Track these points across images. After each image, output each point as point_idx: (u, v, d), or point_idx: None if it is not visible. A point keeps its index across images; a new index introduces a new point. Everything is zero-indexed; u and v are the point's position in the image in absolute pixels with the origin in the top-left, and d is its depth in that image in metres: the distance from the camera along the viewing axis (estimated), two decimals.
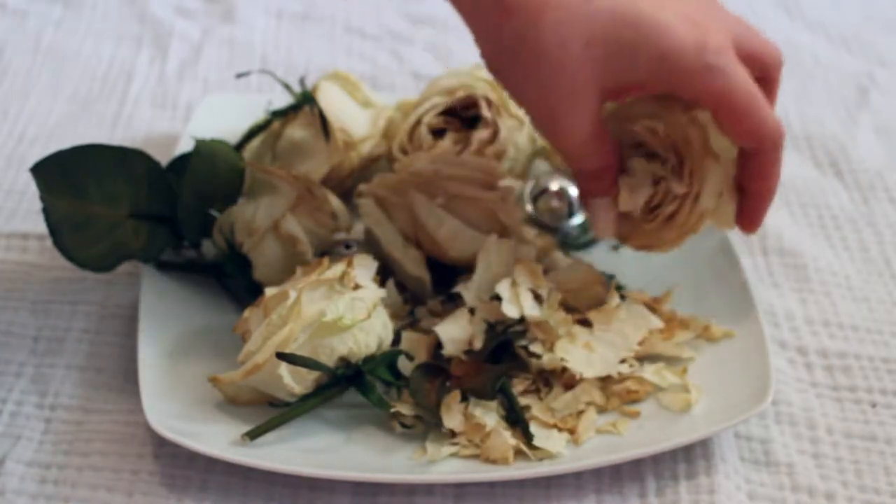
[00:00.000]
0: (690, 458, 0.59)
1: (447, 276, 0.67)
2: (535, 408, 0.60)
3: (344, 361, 0.59)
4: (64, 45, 0.97)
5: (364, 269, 0.62)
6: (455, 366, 0.61)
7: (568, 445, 0.58)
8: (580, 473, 0.58)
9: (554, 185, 0.74)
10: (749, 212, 0.62)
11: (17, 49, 0.96)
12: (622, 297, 0.65)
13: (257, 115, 0.78)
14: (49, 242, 0.67)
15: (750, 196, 0.61)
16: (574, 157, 0.61)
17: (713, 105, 0.57)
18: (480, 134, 0.73)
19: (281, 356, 0.56)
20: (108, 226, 0.65)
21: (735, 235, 0.75)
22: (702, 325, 0.64)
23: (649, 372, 0.61)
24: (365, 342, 0.59)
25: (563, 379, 0.61)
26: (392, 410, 0.59)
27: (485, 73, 0.69)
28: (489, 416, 0.59)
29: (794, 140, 0.87)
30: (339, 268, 0.61)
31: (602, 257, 0.72)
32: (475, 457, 0.58)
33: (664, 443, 0.57)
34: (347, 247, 0.69)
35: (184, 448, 0.57)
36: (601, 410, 0.60)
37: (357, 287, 0.60)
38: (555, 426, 0.59)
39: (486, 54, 0.59)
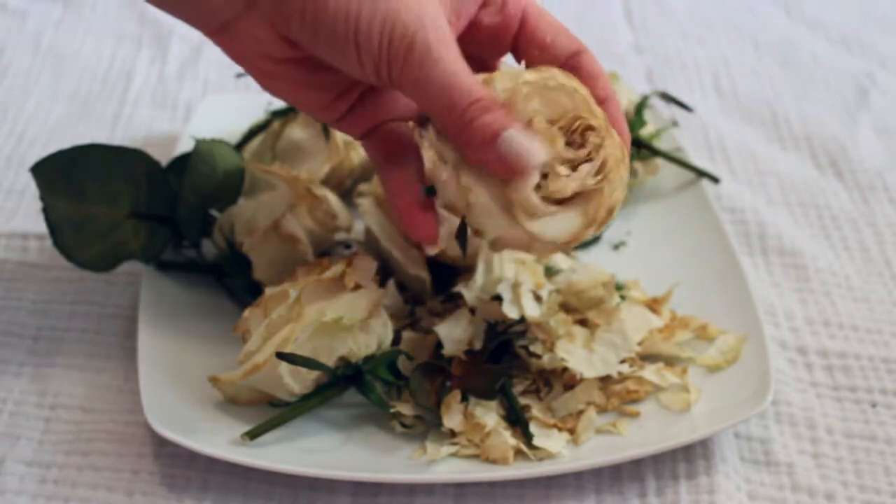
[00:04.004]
0: (690, 458, 0.59)
1: (447, 276, 0.67)
2: (535, 408, 0.60)
3: (344, 361, 0.59)
4: (64, 45, 0.97)
5: (364, 269, 0.62)
6: (455, 366, 0.61)
7: (568, 445, 0.58)
8: (580, 473, 0.58)
9: None
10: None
11: (17, 49, 0.96)
12: (622, 297, 0.65)
13: (257, 115, 0.78)
14: (49, 242, 0.67)
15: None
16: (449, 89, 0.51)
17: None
18: None
19: (281, 356, 0.56)
20: (108, 226, 0.65)
21: (735, 235, 0.75)
22: (701, 324, 0.64)
23: (649, 372, 0.61)
24: (365, 342, 0.59)
25: (563, 379, 0.61)
26: (392, 410, 0.59)
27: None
28: (489, 416, 0.59)
29: (794, 140, 0.87)
30: (339, 268, 0.61)
31: (602, 257, 0.72)
32: (475, 457, 0.58)
33: (664, 443, 0.57)
34: (347, 247, 0.69)
35: (184, 448, 0.57)
36: (601, 410, 0.60)
37: (357, 287, 0.60)
38: (555, 426, 0.59)
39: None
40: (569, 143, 0.51)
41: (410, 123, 0.57)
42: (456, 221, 0.65)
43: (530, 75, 0.52)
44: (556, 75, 0.52)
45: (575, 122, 0.51)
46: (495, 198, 0.51)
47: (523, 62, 0.55)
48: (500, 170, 0.51)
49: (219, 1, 0.52)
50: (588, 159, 0.51)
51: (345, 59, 0.52)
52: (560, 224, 0.51)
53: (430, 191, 0.54)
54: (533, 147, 0.50)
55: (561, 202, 0.52)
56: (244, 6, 0.52)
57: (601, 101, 0.54)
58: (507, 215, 0.51)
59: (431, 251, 0.55)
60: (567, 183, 0.51)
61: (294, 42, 0.52)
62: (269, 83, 0.56)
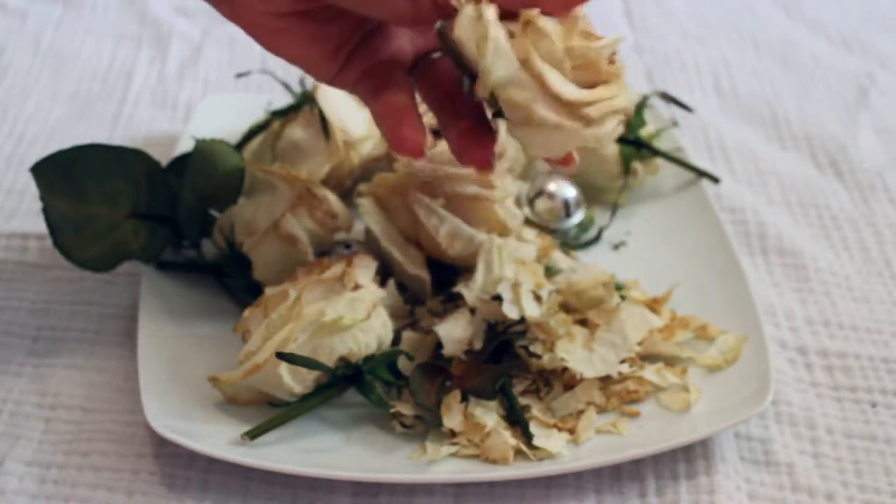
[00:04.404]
0: (690, 458, 0.59)
1: (447, 276, 0.67)
2: (535, 408, 0.60)
3: (344, 361, 0.59)
4: (64, 45, 0.97)
5: (364, 269, 0.62)
6: (455, 366, 0.61)
7: (568, 445, 0.58)
8: (580, 473, 0.58)
9: (552, 186, 0.74)
10: None
11: (17, 49, 0.96)
12: (622, 297, 0.65)
13: (257, 115, 0.78)
14: (49, 242, 0.67)
15: None
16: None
17: None
18: None
19: (281, 356, 0.56)
20: (108, 226, 0.65)
21: (735, 235, 0.75)
22: (701, 324, 0.64)
23: (649, 372, 0.61)
24: (365, 342, 0.59)
25: (563, 379, 0.61)
26: (392, 410, 0.59)
27: None
28: (489, 416, 0.59)
29: (795, 140, 0.87)
30: (339, 268, 0.61)
31: (602, 257, 0.72)
32: (475, 457, 0.58)
33: (664, 443, 0.57)
34: (347, 247, 0.69)
35: (184, 448, 0.57)
36: (601, 410, 0.60)
37: (357, 287, 0.60)
38: (555, 426, 0.59)
39: None
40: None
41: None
42: (454, 221, 0.66)
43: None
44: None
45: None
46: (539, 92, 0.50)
47: None
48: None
49: None
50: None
51: None
52: (616, 101, 0.51)
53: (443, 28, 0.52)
54: None
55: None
56: None
57: None
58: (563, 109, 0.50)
59: (419, 162, 0.54)
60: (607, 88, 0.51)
61: None
62: (273, 41, 0.56)
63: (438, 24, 0.52)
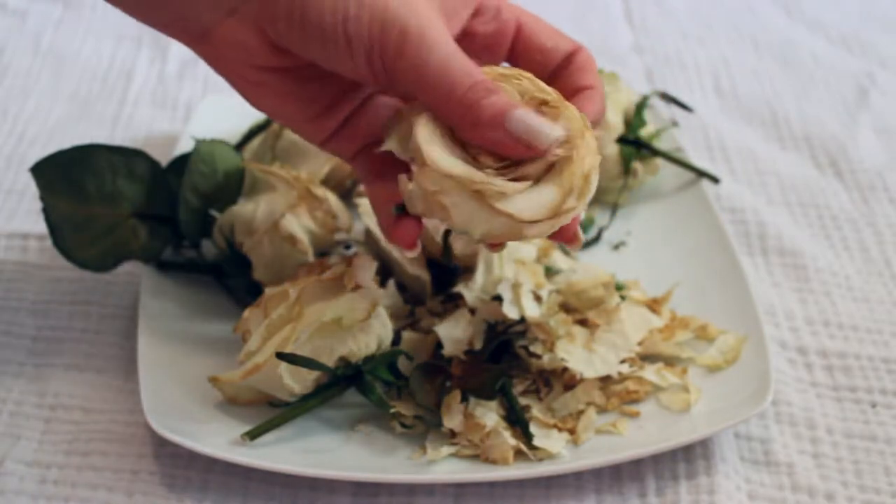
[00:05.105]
0: (690, 458, 0.59)
1: (447, 276, 0.67)
2: (535, 408, 0.60)
3: (344, 361, 0.59)
4: (64, 45, 0.97)
5: (364, 269, 0.62)
6: (455, 366, 0.61)
7: (568, 445, 0.58)
8: (580, 473, 0.58)
9: None
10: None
11: (17, 49, 0.96)
12: (622, 297, 0.65)
13: (257, 115, 0.78)
14: (49, 242, 0.67)
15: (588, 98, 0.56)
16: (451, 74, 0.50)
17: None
18: None
19: (281, 356, 0.56)
20: (108, 226, 0.65)
21: (735, 235, 0.75)
22: (701, 325, 0.64)
23: (649, 372, 0.61)
24: (365, 342, 0.59)
25: (563, 379, 0.61)
26: (392, 410, 0.59)
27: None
28: (489, 416, 0.59)
29: (794, 140, 0.87)
30: (339, 268, 0.61)
31: (602, 257, 0.72)
32: (475, 457, 0.58)
33: (664, 443, 0.57)
34: (347, 247, 0.69)
35: (184, 448, 0.57)
36: (601, 410, 0.60)
37: (357, 287, 0.60)
38: (555, 426, 0.59)
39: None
40: None
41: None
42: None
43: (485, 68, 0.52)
44: (502, 68, 0.53)
45: (528, 101, 0.51)
46: (467, 194, 0.50)
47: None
48: (514, 149, 0.49)
49: (203, 5, 0.51)
50: None
51: (336, 53, 0.50)
52: (537, 200, 0.50)
53: (401, 209, 0.53)
54: (546, 124, 0.50)
55: (535, 180, 0.51)
56: (228, 11, 0.51)
57: (586, 88, 0.54)
58: (485, 206, 0.50)
59: (411, 255, 0.54)
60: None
61: (280, 48, 0.51)
62: (254, 95, 0.54)
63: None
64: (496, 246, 0.57)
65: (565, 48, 0.55)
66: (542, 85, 0.52)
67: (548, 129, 0.49)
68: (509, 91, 0.51)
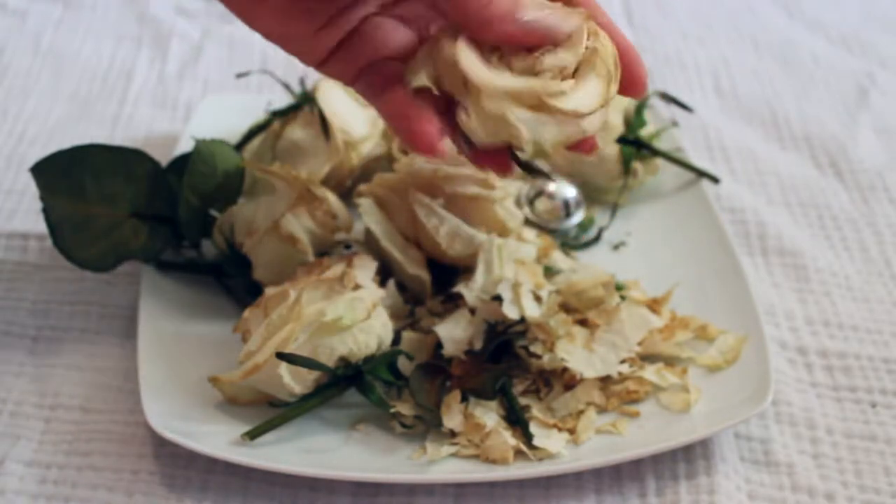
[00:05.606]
0: (690, 458, 0.59)
1: (447, 276, 0.67)
2: (535, 408, 0.60)
3: (344, 361, 0.59)
4: (64, 45, 0.97)
5: (364, 269, 0.62)
6: (455, 366, 0.61)
7: (568, 445, 0.58)
8: (580, 473, 0.58)
9: (551, 187, 0.74)
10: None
11: (17, 49, 0.96)
12: (622, 298, 0.65)
13: (257, 115, 0.78)
14: (49, 242, 0.67)
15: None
16: None
17: None
18: None
19: (281, 356, 0.56)
20: (108, 226, 0.65)
21: (735, 235, 0.75)
22: (701, 325, 0.64)
23: (649, 372, 0.61)
24: (365, 342, 0.59)
25: (563, 379, 0.61)
26: (392, 410, 0.59)
27: None
28: (489, 416, 0.59)
29: (794, 140, 0.87)
30: (339, 268, 0.61)
31: (602, 257, 0.72)
32: (475, 457, 0.58)
33: (664, 443, 0.57)
34: (347, 247, 0.69)
35: (184, 448, 0.57)
36: (601, 410, 0.60)
37: (357, 287, 0.60)
38: (555, 426, 0.59)
39: None
40: None
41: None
42: (454, 221, 0.66)
43: None
44: None
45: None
46: (528, 106, 0.50)
47: None
48: (529, 38, 0.50)
49: None
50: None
51: None
52: (588, 92, 0.51)
53: (469, 141, 0.52)
54: (552, 19, 0.50)
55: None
56: None
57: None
58: (548, 112, 0.50)
59: (438, 154, 0.52)
60: (565, 56, 0.50)
61: None
62: (249, 13, 0.53)
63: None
64: (582, 147, 0.54)
65: None
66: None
67: (559, 20, 0.50)
68: None
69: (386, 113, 0.54)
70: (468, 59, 0.50)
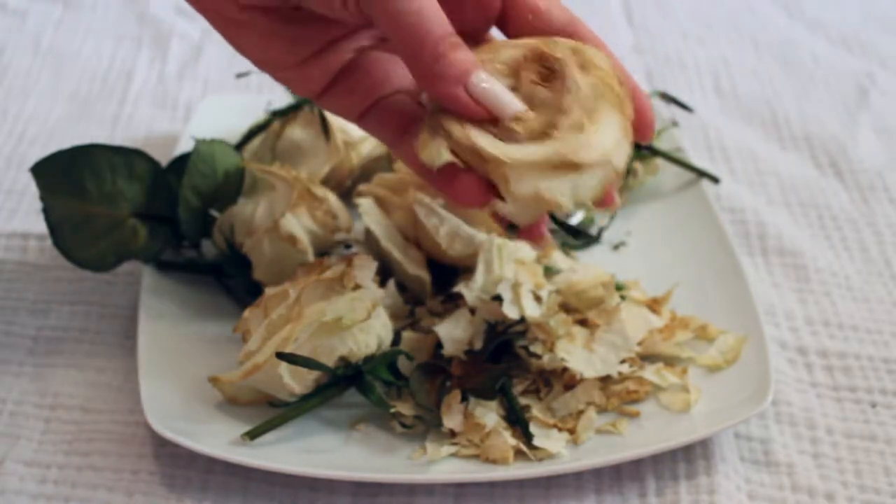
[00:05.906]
0: (690, 458, 0.59)
1: (447, 276, 0.67)
2: (535, 408, 0.60)
3: (344, 361, 0.59)
4: (64, 45, 0.97)
5: (364, 269, 0.61)
6: (455, 366, 0.61)
7: (568, 445, 0.58)
8: (580, 473, 0.58)
9: None
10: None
11: (17, 49, 0.96)
12: (622, 297, 0.65)
13: (257, 115, 0.78)
14: (49, 242, 0.67)
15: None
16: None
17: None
18: None
19: (281, 356, 0.56)
20: (108, 226, 0.65)
21: (735, 235, 0.75)
22: (701, 325, 0.64)
23: (649, 372, 0.61)
24: (365, 342, 0.59)
25: (563, 379, 0.61)
26: (392, 410, 0.59)
27: None
28: (489, 416, 0.59)
29: (794, 140, 0.87)
30: (339, 268, 0.61)
31: (602, 257, 0.72)
32: (475, 457, 0.58)
33: (664, 443, 0.57)
34: (347, 247, 0.69)
35: (184, 448, 0.57)
36: (601, 410, 0.60)
37: (357, 287, 0.60)
38: (555, 426, 0.59)
39: None
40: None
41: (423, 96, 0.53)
42: (454, 221, 0.66)
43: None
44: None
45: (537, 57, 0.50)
46: (554, 171, 0.48)
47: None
48: (471, 110, 0.47)
49: None
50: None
51: None
52: (608, 126, 0.48)
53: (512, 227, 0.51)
54: (507, 94, 0.48)
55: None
56: None
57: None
58: (576, 168, 0.48)
59: (488, 209, 0.50)
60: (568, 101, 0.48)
61: None
62: (234, 35, 0.52)
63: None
64: (606, 202, 0.52)
65: (560, 17, 0.52)
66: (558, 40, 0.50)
67: (508, 100, 0.48)
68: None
69: (417, 170, 0.52)
70: (483, 141, 0.48)
